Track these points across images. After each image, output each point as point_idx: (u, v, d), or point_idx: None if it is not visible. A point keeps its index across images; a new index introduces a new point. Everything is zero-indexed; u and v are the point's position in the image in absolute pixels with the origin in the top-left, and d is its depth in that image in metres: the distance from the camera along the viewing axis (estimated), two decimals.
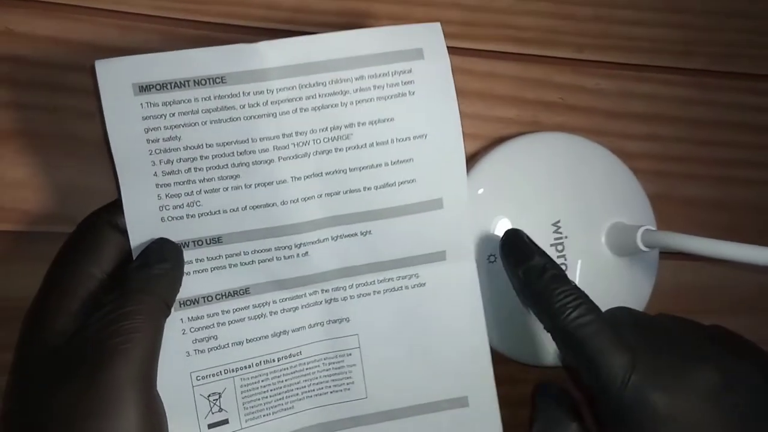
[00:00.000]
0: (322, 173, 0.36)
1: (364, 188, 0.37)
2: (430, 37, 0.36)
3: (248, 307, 0.37)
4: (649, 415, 0.34)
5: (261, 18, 0.41)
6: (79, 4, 0.39)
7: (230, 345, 0.37)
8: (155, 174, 0.35)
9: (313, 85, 0.35)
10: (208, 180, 0.35)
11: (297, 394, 0.38)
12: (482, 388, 0.39)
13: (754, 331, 0.38)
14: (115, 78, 0.34)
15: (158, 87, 0.34)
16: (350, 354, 0.39)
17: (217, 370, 0.37)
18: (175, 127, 0.35)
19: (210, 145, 0.35)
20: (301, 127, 0.36)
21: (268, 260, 0.37)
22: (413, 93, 0.36)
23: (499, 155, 0.42)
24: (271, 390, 0.38)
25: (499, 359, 0.40)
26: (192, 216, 0.35)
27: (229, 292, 0.37)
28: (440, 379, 0.39)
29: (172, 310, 0.35)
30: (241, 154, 0.35)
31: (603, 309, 0.40)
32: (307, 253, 0.37)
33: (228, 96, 0.35)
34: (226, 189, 0.35)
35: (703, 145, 0.48)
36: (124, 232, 0.35)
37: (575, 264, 0.42)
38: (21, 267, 0.38)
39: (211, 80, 0.34)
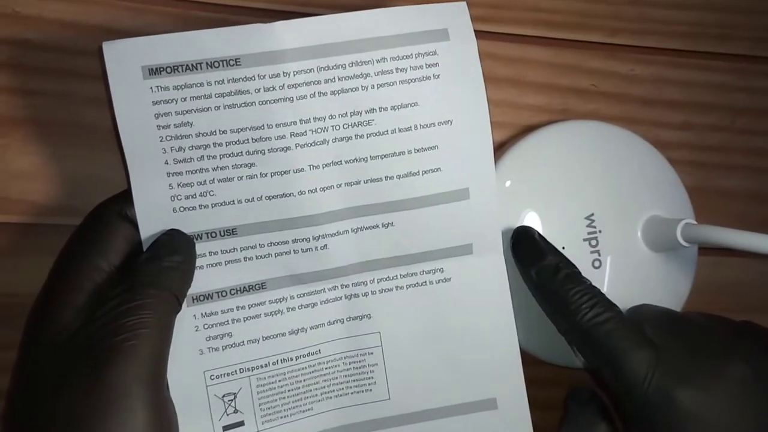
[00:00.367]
0: (341, 161, 0.35)
1: (386, 177, 0.35)
2: (455, 16, 0.35)
3: (264, 302, 0.36)
4: (674, 414, 0.33)
5: (279, 0, 0.40)
6: None
7: (246, 343, 0.36)
8: (166, 162, 0.34)
9: (333, 67, 0.34)
10: (221, 168, 0.34)
11: (316, 395, 0.37)
12: (512, 390, 0.38)
13: None
14: (124, 60, 0.33)
15: (169, 70, 0.33)
16: (372, 353, 0.37)
17: (232, 369, 0.36)
18: (186, 112, 0.33)
19: (224, 132, 0.34)
20: (319, 112, 0.34)
21: (285, 253, 0.35)
22: (438, 76, 0.35)
23: (527, 145, 0.41)
24: (288, 390, 0.37)
25: (529, 360, 0.39)
26: (205, 206, 0.34)
27: (244, 287, 0.36)
28: (467, 379, 0.38)
29: (184, 305, 0.34)
30: (256, 141, 0.34)
31: (635, 305, 0.39)
32: (326, 246, 0.35)
33: (242, 79, 0.33)
34: (241, 178, 0.34)
35: (741, 134, 0.46)
36: (134, 223, 0.34)
37: (609, 260, 0.41)
38: (28, 260, 0.37)
39: (224, 63, 0.33)
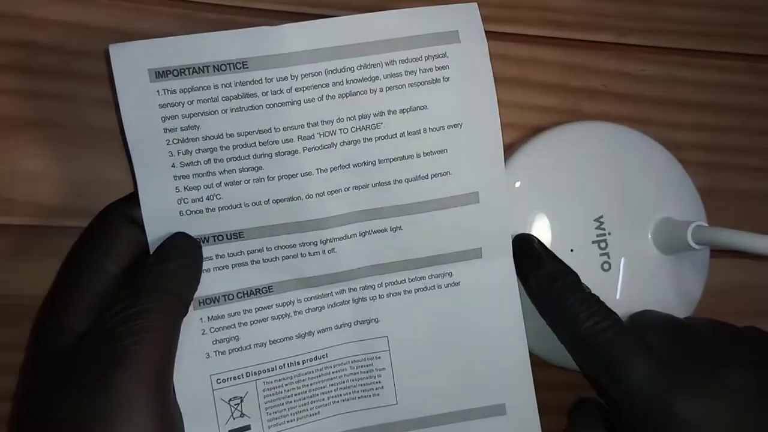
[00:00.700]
0: (349, 165, 0.35)
1: (395, 181, 0.35)
2: (466, 18, 0.35)
3: (271, 306, 0.36)
4: (673, 424, 0.32)
5: (286, 1, 0.39)
6: None
7: (252, 346, 0.36)
8: (173, 165, 0.33)
9: (341, 70, 0.34)
10: (228, 172, 0.34)
11: (323, 399, 0.37)
12: (521, 395, 0.38)
13: None
14: (131, 63, 0.32)
15: (176, 73, 0.33)
16: (379, 357, 0.37)
17: (239, 373, 0.36)
18: (193, 115, 0.33)
19: (231, 135, 0.33)
20: (327, 115, 0.34)
21: (293, 257, 0.35)
22: (448, 79, 0.35)
23: (537, 146, 0.41)
24: (295, 394, 0.36)
25: (538, 364, 0.39)
26: (212, 210, 0.34)
27: (251, 291, 0.35)
28: (475, 384, 0.37)
29: (191, 308, 0.34)
30: (263, 144, 0.34)
31: (636, 312, 0.38)
32: (333, 249, 0.35)
33: (250, 82, 0.33)
34: (248, 181, 0.34)
35: (756, 135, 0.46)
36: (140, 226, 0.34)
37: (619, 262, 0.40)
38: (34, 263, 0.37)
39: (231, 65, 0.33)
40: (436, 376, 0.37)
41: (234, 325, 0.35)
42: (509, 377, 0.37)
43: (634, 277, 0.40)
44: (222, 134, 0.33)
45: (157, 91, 0.33)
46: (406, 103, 0.34)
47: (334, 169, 0.34)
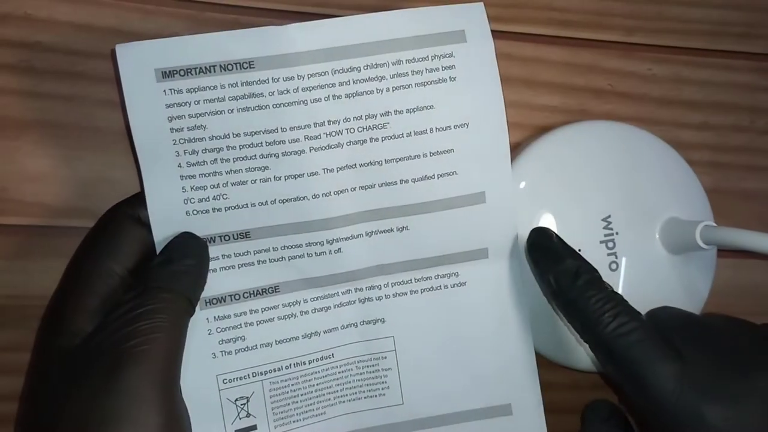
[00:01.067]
0: (356, 165, 0.34)
1: (401, 181, 0.35)
2: (472, 18, 0.35)
3: (278, 306, 0.36)
4: (705, 431, 0.31)
5: (292, 1, 0.39)
6: None
7: (259, 346, 0.36)
8: (179, 165, 0.33)
9: (347, 70, 0.34)
10: (235, 171, 0.34)
11: (329, 399, 0.37)
12: (527, 395, 0.38)
13: None
14: (137, 63, 0.32)
15: (182, 73, 0.33)
16: (385, 357, 0.37)
17: (245, 373, 0.36)
18: (200, 115, 0.33)
19: (237, 135, 0.33)
20: (333, 115, 0.34)
21: (299, 257, 0.35)
22: (454, 78, 0.35)
23: (543, 146, 0.40)
24: (301, 394, 0.36)
25: (544, 364, 0.39)
26: (218, 209, 0.34)
27: (257, 291, 0.35)
28: (482, 385, 0.37)
29: (197, 309, 0.34)
30: (270, 144, 0.34)
31: (654, 308, 0.37)
32: (339, 249, 0.35)
33: (256, 82, 0.33)
34: (254, 181, 0.34)
35: (763, 135, 0.46)
36: (147, 226, 0.34)
37: (627, 262, 0.40)
38: (40, 263, 0.37)
39: (238, 65, 0.33)
40: (442, 376, 0.37)
41: (240, 325, 0.35)
42: (515, 377, 0.37)
43: (641, 277, 0.40)
44: (228, 134, 0.33)
45: (164, 91, 0.33)
46: (412, 103, 0.34)
47: (340, 168, 0.34)
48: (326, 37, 0.33)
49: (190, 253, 0.33)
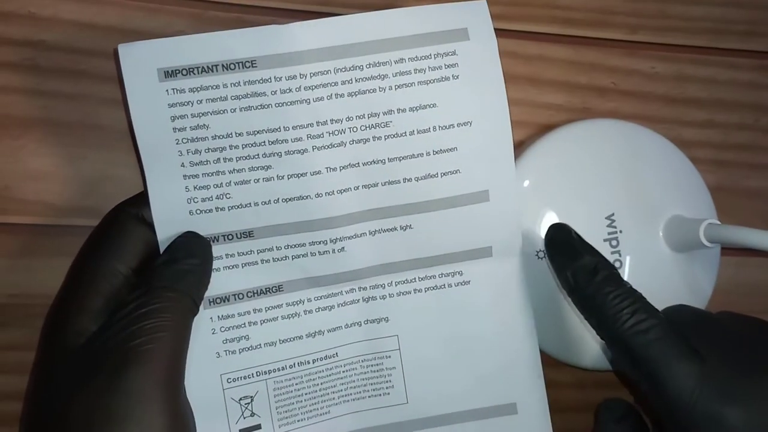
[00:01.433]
0: (359, 163, 0.34)
1: (404, 179, 0.35)
2: (475, 15, 0.34)
3: (281, 305, 0.36)
4: None
5: (297, 0, 0.39)
6: None
7: (262, 345, 0.36)
8: (182, 165, 0.33)
9: (350, 68, 0.34)
10: (238, 171, 0.34)
11: (333, 399, 0.37)
12: (532, 394, 0.37)
13: None
14: (140, 63, 0.32)
15: (185, 72, 0.33)
16: (389, 356, 0.37)
17: (249, 373, 0.35)
18: (202, 114, 0.33)
19: (240, 134, 0.33)
20: (336, 114, 0.34)
21: (302, 256, 0.35)
22: (457, 77, 0.34)
23: (546, 144, 0.40)
24: (305, 394, 0.36)
25: (549, 362, 0.39)
26: (221, 209, 0.34)
27: (261, 290, 0.35)
28: (486, 384, 0.37)
29: (201, 308, 0.34)
30: (272, 143, 0.33)
31: (660, 309, 0.37)
32: (343, 248, 0.35)
33: (259, 81, 0.33)
34: (257, 180, 0.34)
35: (766, 133, 0.45)
36: (150, 226, 0.34)
37: (631, 260, 0.40)
38: (44, 262, 0.37)
39: (240, 64, 0.33)
40: (446, 375, 0.37)
41: (244, 324, 0.35)
42: (520, 376, 0.37)
43: (645, 275, 0.40)
44: (231, 133, 0.33)
45: (166, 90, 0.33)
46: (415, 101, 0.34)
47: (343, 167, 0.34)
48: (329, 35, 0.33)
49: (193, 253, 0.33)
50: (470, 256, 0.36)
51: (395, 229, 0.35)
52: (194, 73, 0.33)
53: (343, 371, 0.37)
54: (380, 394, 0.37)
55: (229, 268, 0.35)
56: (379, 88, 0.34)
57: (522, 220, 0.38)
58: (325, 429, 0.37)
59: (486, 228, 0.36)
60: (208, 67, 0.33)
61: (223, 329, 0.35)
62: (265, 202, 0.34)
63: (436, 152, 0.35)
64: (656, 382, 0.32)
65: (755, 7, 0.45)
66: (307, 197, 0.34)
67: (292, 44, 0.33)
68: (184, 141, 0.33)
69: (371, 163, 0.34)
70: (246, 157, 0.33)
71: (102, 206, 0.34)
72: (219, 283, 0.34)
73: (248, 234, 0.34)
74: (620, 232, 0.40)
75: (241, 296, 0.35)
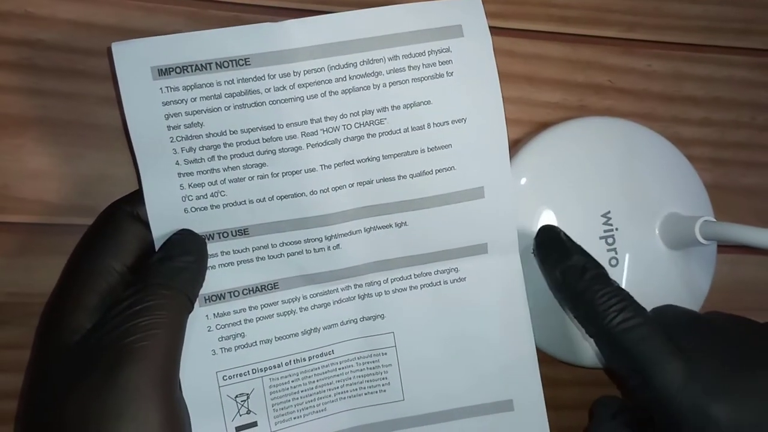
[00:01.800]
0: (353, 161, 0.34)
1: (399, 177, 0.35)
2: (469, 12, 0.34)
3: (277, 302, 0.36)
4: (710, 429, 0.31)
5: None
6: None
7: (258, 343, 0.36)
8: (177, 163, 0.33)
9: (344, 66, 0.34)
10: (232, 168, 0.34)
11: (329, 396, 0.37)
12: (528, 391, 0.37)
13: None
14: (133, 61, 0.33)
15: (178, 70, 0.33)
16: (385, 353, 0.37)
17: (245, 370, 0.36)
18: (196, 112, 0.33)
19: (234, 132, 0.33)
20: (330, 111, 0.34)
21: (298, 253, 0.35)
22: (451, 73, 0.34)
23: (543, 142, 0.40)
24: (301, 391, 0.36)
25: (545, 360, 0.39)
26: (216, 206, 0.34)
27: (256, 287, 0.35)
28: (483, 381, 0.37)
29: (197, 305, 0.34)
30: (267, 140, 0.34)
31: (653, 307, 0.37)
32: (338, 245, 0.35)
33: (252, 79, 0.33)
34: (252, 178, 0.34)
35: (763, 131, 0.45)
36: (145, 224, 0.34)
37: (627, 258, 0.40)
38: (41, 261, 0.37)
39: (234, 62, 0.33)
40: (442, 373, 0.37)
41: (240, 321, 0.35)
42: (516, 373, 0.37)
43: (641, 273, 0.40)
44: (225, 131, 0.33)
45: (160, 88, 0.33)
46: (409, 99, 0.34)
47: (338, 165, 0.34)
48: (322, 33, 0.33)
49: (188, 250, 0.33)
50: (465, 253, 0.36)
51: (390, 226, 0.35)
52: (188, 71, 0.33)
53: (339, 368, 0.37)
54: (376, 391, 0.37)
55: (224, 265, 0.35)
56: (373, 85, 0.34)
57: (519, 218, 0.38)
58: (322, 426, 0.37)
59: (481, 225, 0.36)
60: (201, 65, 0.33)
61: (218, 327, 0.35)
62: (260, 200, 0.34)
63: (431, 149, 0.35)
64: (643, 378, 0.32)
65: (752, 5, 0.45)
66: (301, 194, 0.34)
67: (286, 42, 0.33)
68: (179, 139, 0.33)
69: (366, 161, 0.35)
70: (240, 155, 0.34)
71: (100, 205, 0.34)
72: (214, 280, 0.34)
73: (243, 231, 0.34)
74: (616, 229, 0.40)
75: (236, 294, 0.35)
